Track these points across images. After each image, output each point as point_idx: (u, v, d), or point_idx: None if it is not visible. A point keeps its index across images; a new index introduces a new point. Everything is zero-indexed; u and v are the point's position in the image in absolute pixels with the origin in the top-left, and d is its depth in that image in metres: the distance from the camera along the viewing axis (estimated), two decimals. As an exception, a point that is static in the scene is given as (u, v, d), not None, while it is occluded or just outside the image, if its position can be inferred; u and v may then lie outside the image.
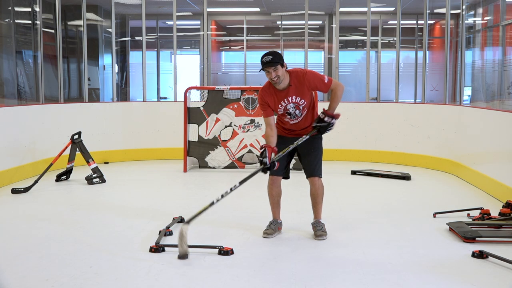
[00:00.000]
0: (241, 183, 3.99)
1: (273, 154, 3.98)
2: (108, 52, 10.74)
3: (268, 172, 4.00)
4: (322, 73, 11.57)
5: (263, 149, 3.97)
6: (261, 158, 3.93)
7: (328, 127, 4.07)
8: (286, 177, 4.27)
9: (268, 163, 3.91)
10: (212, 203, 3.90)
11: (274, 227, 4.20)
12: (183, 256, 3.61)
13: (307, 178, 4.22)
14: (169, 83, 10.97)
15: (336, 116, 4.06)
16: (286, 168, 4.23)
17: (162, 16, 11.90)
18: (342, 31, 12.16)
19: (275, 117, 4.23)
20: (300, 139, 4.09)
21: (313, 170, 4.17)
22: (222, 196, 3.91)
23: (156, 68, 11.83)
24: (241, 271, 3.42)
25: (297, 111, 4.10)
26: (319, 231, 4.14)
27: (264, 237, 4.12)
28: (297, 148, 4.18)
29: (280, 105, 4.08)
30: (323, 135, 4.22)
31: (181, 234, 3.63)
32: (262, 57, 3.96)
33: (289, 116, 4.13)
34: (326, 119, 4.04)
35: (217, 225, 4.49)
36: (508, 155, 5.38)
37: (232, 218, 4.74)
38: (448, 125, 7.21)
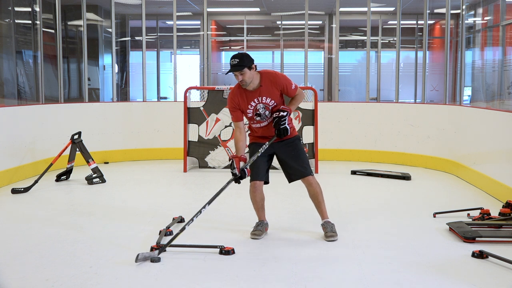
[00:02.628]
0: (209, 203, 3.95)
1: (242, 163, 4.00)
2: (108, 52, 10.74)
3: (241, 181, 4.01)
4: (322, 73, 11.55)
5: (231, 160, 4.01)
6: (231, 170, 3.98)
7: (281, 121, 3.99)
8: (266, 181, 4.24)
9: (238, 173, 3.94)
10: (184, 228, 3.85)
11: (261, 228, 4.20)
12: (154, 260, 3.57)
13: (301, 179, 4.17)
14: (169, 83, 10.98)
15: (288, 110, 4.05)
16: (267, 173, 4.21)
17: (162, 16, 11.90)
18: (342, 31, 12.15)
19: (246, 125, 4.22)
20: (266, 143, 4.06)
21: (303, 171, 4.14)
22: (192, 219, 3.89)
23: (156, 68, 11.83)
24: (241, 271, 3.43)
25: (267, 112, 4.09)
26: (329, 232, 4.13)
27: (252, 238, 4.12)
28: (277, 155, 4.18)
29: (250, 105, 4.08)
30: (300, 139, 4.25)
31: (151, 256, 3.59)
32: (230, 59, 3.99)
33: (258, 118, 4.11)
34: (275, 113, 4.02)
35: (217, 225, 4.49)
36: (508, 155, 5.38)
37: (233, 218, 4.74)
38: (448, 125, 7.21)
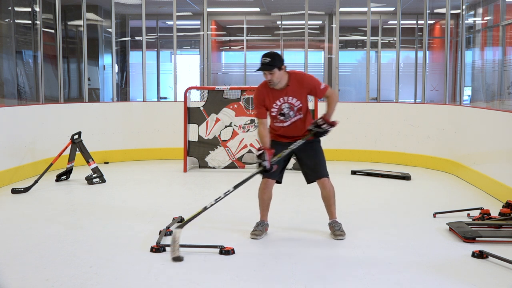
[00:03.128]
0: (235, 187, 4.02)
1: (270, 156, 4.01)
2: (108, 52, 10.75)
3: (263, 174, 4.03)
4: (322, 73, 11.55)
5: (261, 151, 3.99)
6: (260, 161, 3.96)
7: (324, 133, 4.07)
8: (279, 181, 4.25)
9: (268, 166, 3.96)
10: (205, 208, 3.95)
11: (262, 228, 4.19)
12: (176, 259, 3.57)
13: (314, 181, 4.19)
14: (169, 83, 10.98)
15: (333, 124, 4.05)
16: (281, 173, 4.22)
17: (162, 16, 11.90)
18: (342, 31, 12.16)
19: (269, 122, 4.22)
20: (296, 143, 4.07)
21: (320, 172, 4.16)
22: (216, 200, 3.97)
23: (156, 68, 11.83)
24: (241, 271, 3.43)
25: (291, 112, 4.09)
26: (337, 231, 4.14)
27: (252, 238, 4.12)
28: (296, 154, 4.17)
29: (275, 104, 4.07)
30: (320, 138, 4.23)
31: (174, 238, 3.63)
32: (262, 57, 3.97)
33: (282, 117, 4.11)
34: (324, 126, 4.02)
35: (217, 225, 4.49)
36: (508, 155, 5.38)
37: (233, 218, 4.74)
38: (448, 125, 7.21)
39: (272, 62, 3.93)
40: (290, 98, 4.06)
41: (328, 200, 4.21)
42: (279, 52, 11.75)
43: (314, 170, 4.17)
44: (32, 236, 4.22)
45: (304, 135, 4.14)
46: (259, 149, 4.02)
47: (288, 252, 3.82)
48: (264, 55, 3.97)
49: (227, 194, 4.00)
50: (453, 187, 6.30)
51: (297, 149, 4.11)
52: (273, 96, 4.07)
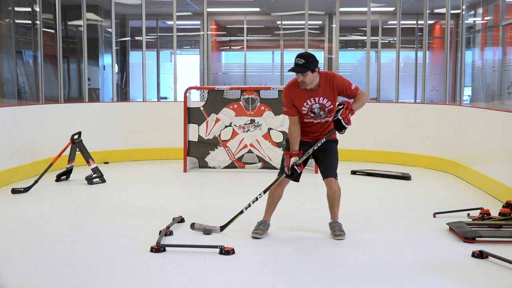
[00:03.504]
0: (265, 191, 4.20)
1: (295, 158, 4.06)
2: (108, 52, 10.75)
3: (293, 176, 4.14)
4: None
5: (283, 155, 4.08)
6: (282, 166, 4.08)
7: (343, 127, 3.92)
8: (296, 180, 4.23)
9: (288, 172, 4.03)
10: (242, 212, 4.20)
11: (263, 228, 4.20)
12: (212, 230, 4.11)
13: (324, 179, 4.21)
14: (169, 83, 10.98)
15: (352, 112, 3.92)
16: (300, 176, 4.22)
17: (162, 16, 11.90)
18: (342, 31, 12.16)
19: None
20: (319, 142, 4.08)
21: (329, 172, 4.17)
22: (249, 205, 4.19)
23: (156, 68, 11.83)
24: (241, 271, 3.43)
25: (322, 112, 4.09)
26: (337, 231, 4.14)
27: (253, 238, 4.12)
28: (314, 152, 4.17)
29: (305, 103, 4.07)
30: (338, 137, 4.25)
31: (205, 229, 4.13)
32: (296, 57, 3.94)
33: (312, 115, 4.10)
34: (344, 119, 3.88)
35: (218, 224, 4.48)
36: (508, 155, 5.38)
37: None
38: (448, 125, 7.21)
39: (306, 64, 3.91)
40: (321, 99, 4.06)
41: (333, 201, 4.21)
42: (279, 52, 11.81)
43: (325, 168, 4.19)
44: (32, 236, 4.22)
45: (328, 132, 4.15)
46: (284, 153, 4.12)
47: (288, 252, 3.82)
48: (299, 56, 3.94)
49: (259, 199, 4.20)
50: (453, 187, 6.30)
51: (316, 149, 4.12)
52: (304, 96, 4.06)
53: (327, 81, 4.04)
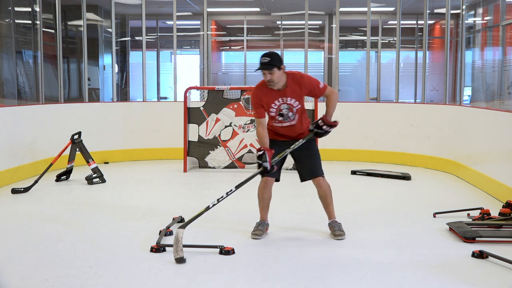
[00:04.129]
0: (237, 187, 4.03)
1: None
2: (108, 52, 10.75)
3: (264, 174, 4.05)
4: (322, 73, 11.52)
5: (261, 151, 3.98)
6: (261, 162, 3.96)
7: (325, 134, 4.09)
8: (278, 179, 4.25)
9: (269, 167, 3.96)
10: (208, 208, 3.96)
11: (262, 228, 4.19)
12: (179, 260, 3.54)
13: (308, 180, 4.21)
14: (169, 83, 10.98)
15: (334, 125, 4.06)
16: (279, 171, 4.22)
17: (162, 16, 11.90)
18: (342, 31, 12.16)
19: (266, 120, 4.21)
20: (297, 143, 4.08)
21: (315, 171, 4.16)
22: (218, 200, 3.98)
23: (156, 68, 11.83)
24: (241, 271, 3.43)
25: (290, 113, 4.08)
26: (337, 231, 4.14)
27: (253, 238, 4.12)
28: (292, 153, 4.17)
29: (273, 104, 4.06)
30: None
31: (176, 239, 3.63)
32: (261, 57, 3.96)
33: (281, 118, 4.10)
34: (324, 127, 4.04)
35: (217, 225, 4.49)
36: (508, 155, 5.38)
37: (233, 218, 4.74)
38: (448, 125, 7.21)
39: (272, 61, 3.92)
40: (289, 99, 4.05)
41: (325, 199, 4.21)
42: (279, 52, 11.79)
43: (310, 169, 4.17)
44: (32, 236, 4.22)
45: (302, 135, 4.15)
46: (259, 150, 4.01)
47: (288, 252, 3.82)
48: (264, 55, 3.95)
49: (229, 194, 4.00)
50: (453, 187, 6.30)
51: (295, 149, 4.11)
52: (272, 96, 4.06)
53: (294, 81, 4.03)
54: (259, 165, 3.98)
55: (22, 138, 6.61)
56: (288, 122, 4.12)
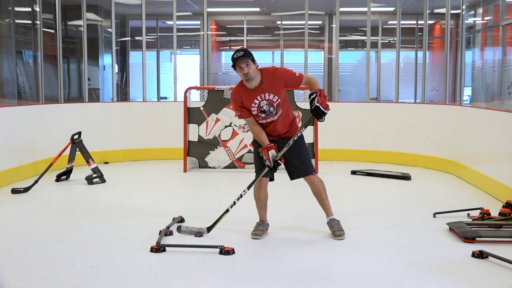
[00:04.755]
0: (249, 187, 4.14)
1: (273, 152, 4.06)
2: (108, 52, 10.74)
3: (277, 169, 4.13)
4: (322, 73, 11.52)
5: (260, 152, 4.07)
6: (263, 162, 4.07)
7: (322, 113, 3.94)
8: (272, 178, 4.26)
9: (270, 164, 4.03)
10: (227, 211, 4.16)
11: (262, 228, 4.20)
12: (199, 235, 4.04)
13: (303, 177, 4.19)
14: (169, 83, 10.98)
15: (317, 91, 3.96)
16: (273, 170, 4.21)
17: (162, 16, 11.89)
18: (342, 31, 12.15)
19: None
20: (295, 136, 4.07)
21: (304, 170, 4.16)
22: (235, 202, 4.15)
23: (156, 68, 11.83)
24: (241, 271, 3.43)
25: (271, 108, 4.08)
26: (337, 230, 4.13)
27: (253, 238, 4.12)
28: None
29: (253, 103, 4.06)
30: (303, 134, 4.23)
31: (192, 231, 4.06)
32: (233, 54, 3.98)
33: (263, 115, 4.09)
34: (316, 99, 3.93)
35: (218, 224, 4.48)
36: (508, 155, 5.38)
37: (233, 218, 4.73)
38: (448, 125, 7.21)
39: (246, 54, 3.96)
40: (267, 95, 4.04)
41: (320, 195, 4.20)
42: (279, 52, 11.79)
43: (300, 168, 4.17)
44: (32, 236, 4.22)
45: (291, 131, 4.18)
46: (258, 152, 4.07)
47: (288, 252, 3.82)
48: (236, 51, 3.99)
49: (243, 195, 4.16)
50: (453, 187, 6.30)
51: (281, 147, 4.11)
52: (250, 95, 4.05)
53: (269, 75, 4.04)
54: (264, 165, 4.09)
55: (22, 138, 6.61)
56: (271, 117, 4.11)
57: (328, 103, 3.95)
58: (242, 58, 3.93)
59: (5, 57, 8.71)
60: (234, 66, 3.99)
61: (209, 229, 4.13)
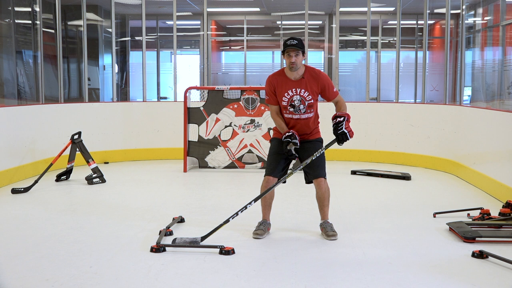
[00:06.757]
0: (256, 200, 4.07)
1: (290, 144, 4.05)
2: (108, 52, 10.75)
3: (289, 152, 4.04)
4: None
5: (290, 132, 4.03)
6: (290, 140, 4.00)
7: (338, 125, 4.01)
8: (283, 181, 4.23)
9: (298, 143, 4.02)
10: (228, 221, 4.01)
11: (264, 228, 4.20)
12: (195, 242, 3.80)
13: (312, 180, 4.20)
14: (169, 83, 10.98)
15: (345, 115, 4.04)
16: (283, 171, 4.21)
17: (162, 16, 11.90)
18: (342, 31, 12.16)
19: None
20: (314, 156, 4.04)
21: (317, 172, 4.16)
22: (237, 213, 4.04)
23: (156, 68, 11.83)
24: (241, 271, 3.43)
25: (302, 106, 4.08)
26: (330, 231, 4.13)
27: (254, 238, 4.12)
28: (298, 153, 4.17)
29: (286, 93, 4.07)
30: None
31: (185, 241, 3.84)
32: (287, 40, 4.01)
33: (292, 109, 4.10)
34: (336, 119, 4.00)
35: (217, 224, 4.48)
36: (508, 155, 5.38)
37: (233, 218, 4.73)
38: (448, 125, 7.21)
39: (299, 44, 3.98)
40: (303, 91, 4.06)
41: (322, 201, 4.21)
42: (278, 52, 11.79)
43: (313, 169, 4.16)
44: (32, 236, 4.22)
45: (310, 135, 4.20)
46: (285, 133, 4.04)
47: (288, 252, 3.82)
48: (291, 38, 4.01)
49: (247, 207, 4.05)
50: (453, 187, 6.30)
51: (300, 149, 4.12)
52: (286, 85, 4.07)
53: (311, 74, 4.08)
54: (287, 143, 4.00)
55: (22, 138, 6.61)
56: (298, 115, 4.12)
57: (352, 130, 4.03)
58: (294, 47, 3.96)
59: (5, 57, 8.71)
60: (283, 52, 4.01)
61: (203, 238, 3.91)
